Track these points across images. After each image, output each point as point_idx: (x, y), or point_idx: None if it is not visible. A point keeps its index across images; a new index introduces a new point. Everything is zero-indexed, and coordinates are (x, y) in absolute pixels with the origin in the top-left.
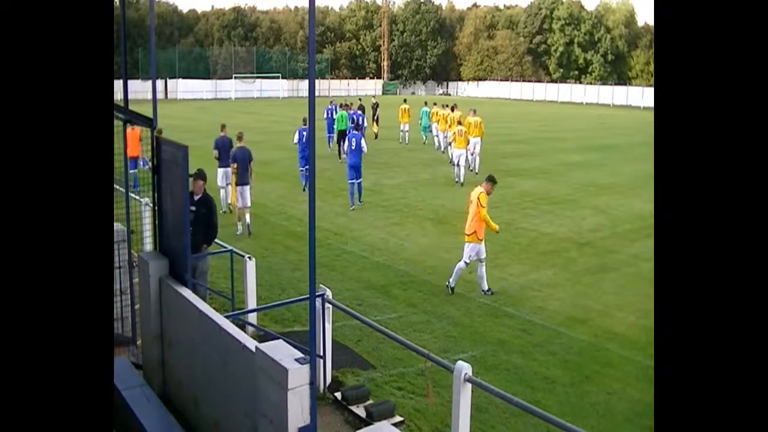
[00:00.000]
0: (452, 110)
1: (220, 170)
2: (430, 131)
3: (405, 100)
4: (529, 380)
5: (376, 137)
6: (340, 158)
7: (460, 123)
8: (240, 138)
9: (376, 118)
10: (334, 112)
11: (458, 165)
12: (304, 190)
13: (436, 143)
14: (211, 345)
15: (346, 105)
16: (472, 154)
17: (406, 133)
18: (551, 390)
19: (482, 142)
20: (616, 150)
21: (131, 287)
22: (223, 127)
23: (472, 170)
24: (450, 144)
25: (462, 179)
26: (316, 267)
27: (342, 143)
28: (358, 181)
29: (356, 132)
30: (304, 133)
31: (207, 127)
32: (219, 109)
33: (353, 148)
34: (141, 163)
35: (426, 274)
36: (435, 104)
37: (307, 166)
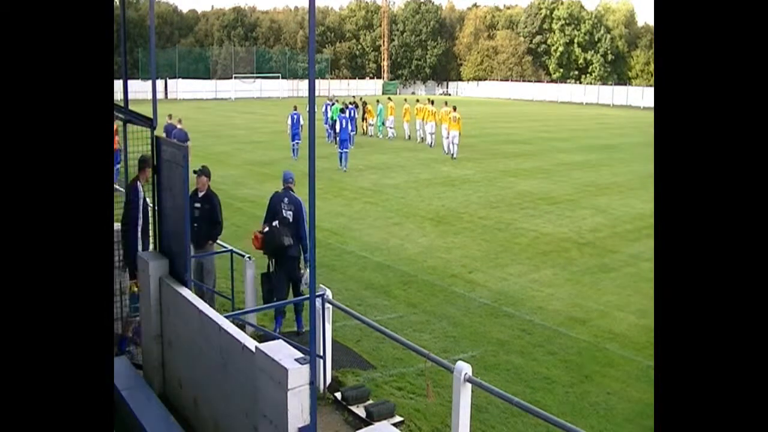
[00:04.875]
0: (431, 104)
1: None
2: (388, 125)
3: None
4: (529, 380)
5: (363, 133)
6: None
7: (455, 110)
8: (180, 121)
9: (361, 115)
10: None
11: (454, 144)
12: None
13: (391, 134)
14: (211, 345)
15: (342, 104)
16: (447, 138)
17: (371, 126)
18: (551, 390)
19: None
20: (616, 150)
21: None
22: (170, 116)
23: (451, 155)
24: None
25: (456, 155)
26: (316, 267)
27: (333, 127)
28: (345, 150)
29: (344, 115)
30: (294, 116)
31: (207, 127)
32: (219, 109)
33: (343, 126)
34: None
35: (426, 274)
36: (389, 99)
37: (297, 140)
